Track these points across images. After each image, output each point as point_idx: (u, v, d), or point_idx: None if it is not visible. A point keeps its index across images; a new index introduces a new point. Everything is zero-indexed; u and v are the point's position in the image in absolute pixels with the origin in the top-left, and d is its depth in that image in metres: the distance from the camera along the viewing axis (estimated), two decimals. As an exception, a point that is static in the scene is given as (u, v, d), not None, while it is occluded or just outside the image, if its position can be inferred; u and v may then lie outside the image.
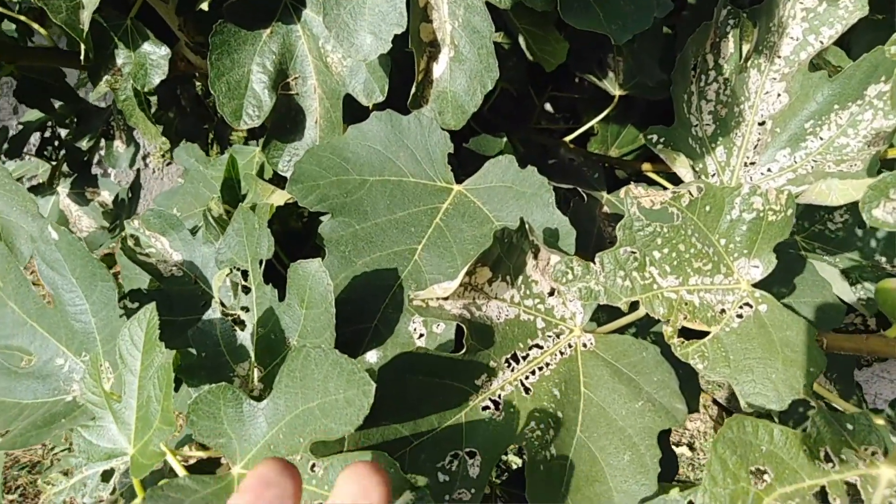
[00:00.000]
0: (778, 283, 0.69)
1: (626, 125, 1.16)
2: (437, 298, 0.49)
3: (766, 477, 0.36)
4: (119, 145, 1.45)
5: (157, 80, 0.80)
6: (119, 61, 0.82)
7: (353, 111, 0.75)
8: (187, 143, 0.96)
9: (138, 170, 1.51)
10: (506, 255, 0.52)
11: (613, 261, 0.49)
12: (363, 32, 0.63)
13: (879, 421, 0.41)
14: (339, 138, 0.68)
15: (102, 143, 1.47)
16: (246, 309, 0.60)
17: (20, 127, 1.46)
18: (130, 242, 0.71)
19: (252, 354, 0.58)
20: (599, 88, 1.05)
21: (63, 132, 1.51)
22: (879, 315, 0.87)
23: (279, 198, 0.76)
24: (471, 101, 0.66)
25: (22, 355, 0.59)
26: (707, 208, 0.47)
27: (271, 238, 0.58)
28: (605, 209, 0.89)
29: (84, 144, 1.43)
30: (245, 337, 0.59)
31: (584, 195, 0.86)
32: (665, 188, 0.84)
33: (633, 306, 0.58)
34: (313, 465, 0.44)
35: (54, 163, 1.50)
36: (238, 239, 0.60)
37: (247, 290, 0.60)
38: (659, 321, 0.69)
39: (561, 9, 0.62)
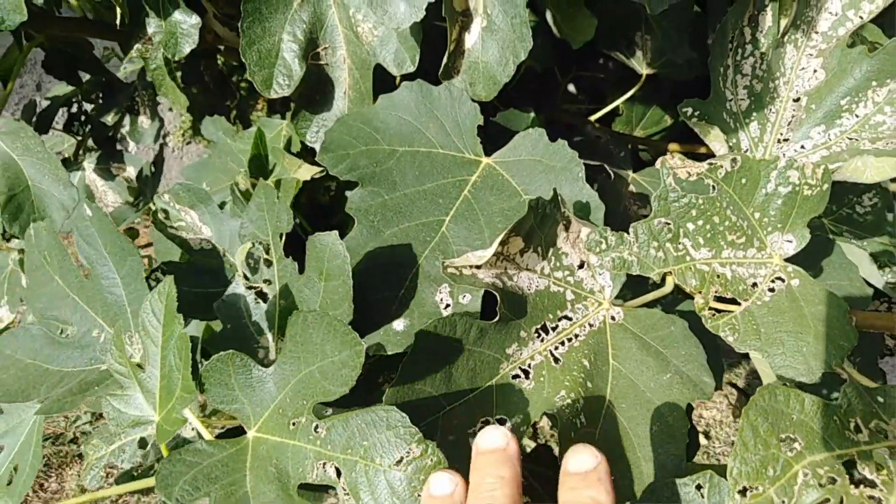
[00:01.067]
0: (805, 265, 0.69)
1: (651, 106, 1.15)
2: (471, 266, 0.50)
3: (796, 445, 0.37)
4: (144, 120, 1.47)
5: (187, 49, 0.80)
6: (150, 30, 0.82)
7: (381, 82, 0.75)
8: (215, 117, 0.96)
9: (161, 145, 1.53)
10: (538, 226, 0.52)
11: (647, 231, 0.49)
12: (397, 0, 0.63)
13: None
14: (370, 108, 0.69)
15: (127, 118, 1.49)
16: (268, 282, 0.61)
17: (46, 102, 1.47)
18: (161, 216, 0.72)
19: (273, 326, 0.59)
20: (625, 68, 1.04)
21: (89, 107, 1.52)
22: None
23: (306, 172, 0.76)
24: (503, 71, 0.66)
25: (63, 326, 0.60)
26: (743, 181, 0.47)
27: (290, 212, 0.59)
28: (632, 188, 0.89)
29: (109, 119, 1.44)
30: (268, 309, 0.60)
31: (612, 173, 0.86)
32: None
33: (658, 285, 0.58)
34: (316, 427, 0.44)
35: (80, 138, 1.51)
36: (259, 213, 0.61)
37: (269, 264, 0.60)
38: (684, 299, 0.69)
39: (596, -21, 0.62)
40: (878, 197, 0.84)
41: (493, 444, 0.41)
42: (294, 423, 0.44)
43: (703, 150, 0.90)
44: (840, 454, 0.38)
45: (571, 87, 1.32)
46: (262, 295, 0.60)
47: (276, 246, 0.59)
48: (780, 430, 0.36)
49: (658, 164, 0.48)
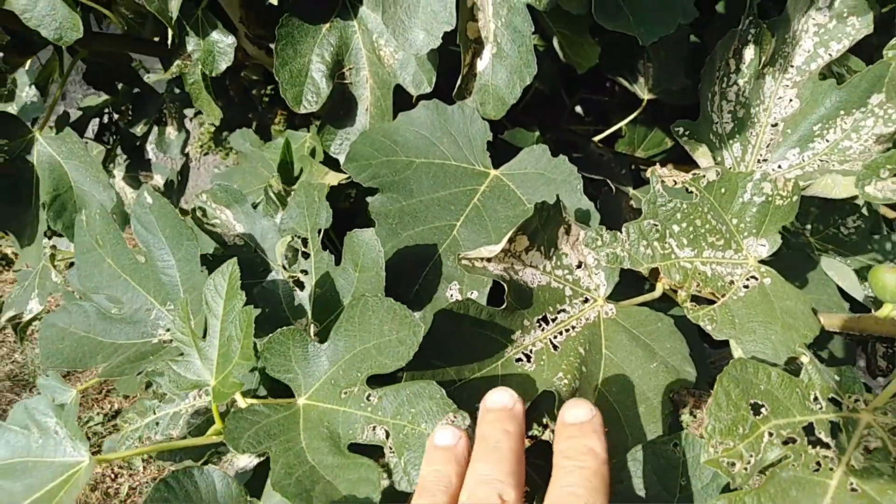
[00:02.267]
0: (787, 278, 0.75)
1: (653, 128, 1.23)
2: (482, 259, 0.56)
3: (762, 410, 0.43)
4: (171, 131, 1.55)
5: (223, 66, 0.88)
6: (189, 48, 0.90)
7: (399, 100, 0.82)
8: (244, 129, 1.04)
9: (187, 154, 1.60)
10: (542, 227, 0.59)
11: (638, 231, 0.55)
12: (417, 29, 0.70)
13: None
14: (390, 123, 0.76)
15: (154, 129, 1.57)
16: (305, 272, 0.67)
17: (79, 112, 1.55)
18: (199, 213, 0.79)
19: (309, 312, 0.66)
20: (628, 92, 1.12)
21: (117, 117, 1.61)
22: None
23: (333, 178, 0.83)
24: (510, 93, 0.73)
25: (113, 304, 0.67)
26: (723, 190, 0.53)
27: (330, 210, 0.65)
28: (632, 203, 0.95)
29: (139, 130, 1.52)
30: (304, 297, 0.67)
31: (613, 187, 0.92)
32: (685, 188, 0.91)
33: (649, 289, 0.64)
34: (369, 395, 0.51)
35: (108, 147, 1.59)
36: (299, 211, 0.68)
37: (306, 256, 0.67)
38: (672, 304, 0.76)
39: (594, 10, 0.69)
40: (862, 220, 0.91)
41: (501, 403, 0.47)
42: (346, 393, 0.51)
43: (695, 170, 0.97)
44: (800, 420, 0.44)
45: (578, 109, 1.40)
46: (298, 284, 0.66)
47: (313, 240, 0.66)
48: (749, 397, 0.42)
49: (648, 172, 0.54)
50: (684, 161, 1.02)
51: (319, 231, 0.66)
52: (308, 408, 0.53)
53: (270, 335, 0.53)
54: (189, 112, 1.73)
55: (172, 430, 0.69)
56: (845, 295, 0.80)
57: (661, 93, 1.07)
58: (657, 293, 0.63)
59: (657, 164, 0.94)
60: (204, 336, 0.55)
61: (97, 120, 1.64)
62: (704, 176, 0.53)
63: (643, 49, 1.05)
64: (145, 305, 0.66)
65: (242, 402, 0.58)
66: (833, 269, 0.86)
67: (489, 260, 0.57)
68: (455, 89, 0.75)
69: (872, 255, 0.93)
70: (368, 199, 0.93)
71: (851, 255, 0.94)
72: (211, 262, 0.77)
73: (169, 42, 0.82)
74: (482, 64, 0.74)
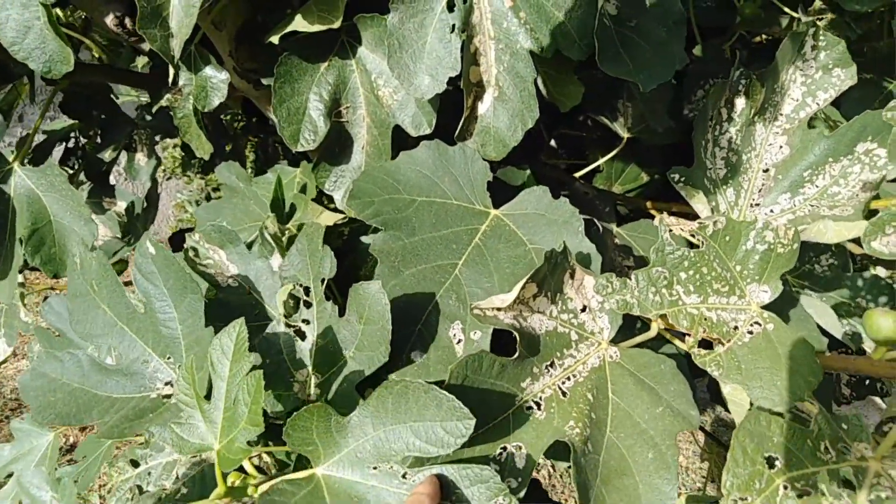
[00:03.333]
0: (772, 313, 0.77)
1: (629, 164, 1.26)
2: (494, 308, 0.57)
3: (777, 463, 0.44)
4: (141, 158, 1.52)
5: (216, 102, 0.87)
6: (181, 82, 0.89)
7: (396, 140, 0.83)
8: (229, 162, 1.03)
9: (155, 180, 1.57)
10: (550, 274, 0.60)
11: (647, 278, 0.57)
12: (422, 74, 0.71)
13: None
14: (392, 162, 0.76)
15: (123, 155, 1.53)
16: (307, 322, 0.66)
17: (42, 136, 1.51)
18: (191, 254, 0.78)
19: (310, 363, 0.65)
20: (606, 129, 1.15)
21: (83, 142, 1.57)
22: (861, 351, 0.96)
23: (328, 218, 0.83)
24: (512, 136, 0.75)
25: (108, 353, 0.64)
26: (727, 238, 0.55)
27: (334, 259, 0.65)
28: (617, 241, 0.98)
29: (107, 156, 1.49)
30: (305, 347, 0.66)
31: (600, 226, 0.95)
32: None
33: (644, 328, 0.66)
34: (405, 475, 0.50)
35: (72, 172, 1.55)
36: (301, 258, 0.67)
37: (308, 305, 0.66)
38: (667, 342, 0.77)
39: (598, 57, 0.71)
40: (835, 258, 0.95)
41: None
42: (376, 468, 0.50)
43: (675, 207, 1.00)
44: (813, 471, 0.45)
45: (552, 143, 1.43)
46: (300, 333, 0.65)
47: (316, 289, 0.65)
48: (764, 450, 0.44)
49: (656, 221, 0.56)
50: (662, 198, 1.05)
51: (322, 280, 0.66)
52: (329, 479, 0.52)
53: (295, 413, 0.53)
54: (160, 141, 1.70)
55: (165, 482, 0.67)
56: (823, 332, 0.83)
57: (641, 131, 1.10)
58: (652, 332, 0.65)
59: (644, 207, 0.96)
60: (208, 397, 0.54)
61: (62, 144, 1.59)
62: (709, 225, 0.55)
63: (622, 89, 1.08)
64: (143, 357, 0.64)
65: (249, 467, 0.57)
66: (812, 307, 0.89)
67: (500, 309, 0.58)
68: (457, 131, 0.76)
69: (845, 291, 0.97)
70: (364, 238, 0.93)
71: (825, 291, 0.98)
72: (206, 307, 0.76)
73: (170, 79, 0.81)
74: (483, 107, 0.75)
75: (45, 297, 0.93)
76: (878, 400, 1.26)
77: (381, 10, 0.76)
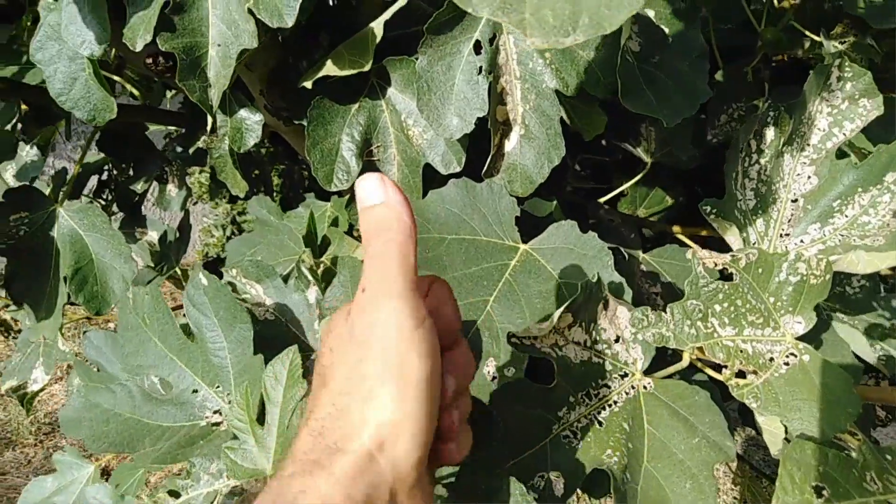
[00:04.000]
0: (806, 342, 0.78)
1: (654, 188, 1.27)
2: (531, 337, 0.58)
3: (824, 493, 0.45)
4: (172, 189, 1.56)
5: (251, 143, 0.90)
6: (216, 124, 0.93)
7: (427, 177, 0.85)
8: (260, 196, 1.06)
9: (186, 211, 1.61)
10: (584, 305, 0.61)
11: (682, 311, 0.58)
12: (451, 115, 0.74)
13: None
14: (421, 201, 0.78)
15: (155, 185, 1.58)
16: None
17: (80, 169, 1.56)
18: (228, 289, 0.80)
19: None
20: (627, 153, 1.16)
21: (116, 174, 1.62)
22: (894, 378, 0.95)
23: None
24: (538, 173, 0.77)
25: (159, 384, 0.67)
26: (759, 270, 0.56)
27: None
28: (643, 267, 0.99)
29: (139, 187, 1.53)
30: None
31: (626, 254, 0.96)
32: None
33: (676, 357, 0.67)
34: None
35: (104, 203, 1.60)
36: (343, 289, 0.70)
37: None
38: (699, 371, 0.78)
39: (621, 96, 0.73)
40: (867, 279, 0.95)
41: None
42: None
43: (703, 232, 1.01)
44: (861, 501, 0.46)
45: (577, 166, 1.45)
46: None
47: None
48: (811, 479, 0.44)
49: (688, 254, 0.57)
50: (686, 222, 1.06)
51: None
52: None
53: None
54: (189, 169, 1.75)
55: None
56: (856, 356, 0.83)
57: (664, 156, 1.11)
58: (685, 363, 0.65)
59: (669, 231, 0.97)
60: (261, 422, 0.56)
61: (96, 176, 1.65)
62: (742, 257, 0.56)
63: (644, 116, 1.10)
64: (192, 386, 0.67)
65: None
66: (843, 332, 0.89)
67: (536, 338, 0.59)
68: (484, 168, 0.78)
69: (878, 313, 0.96)
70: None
71: (857, 313, 0.98)
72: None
73: (209, 126, 0.84)
74: (510, 144, 0.77)
75: (84, 331, 0.96)
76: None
77: (409, 53, 0.79)
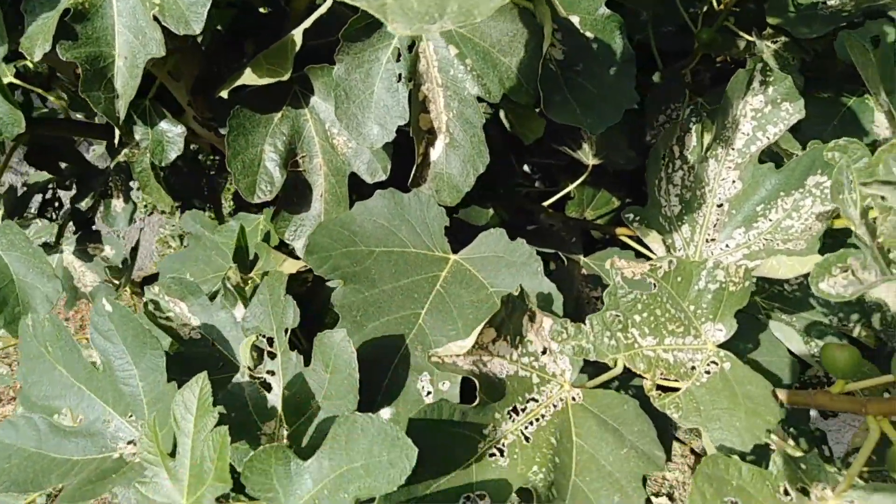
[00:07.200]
0: (740, 343, 0.77)
1: (599, 189, 1.27)
2: (452, 355, 0.56)
3: (736, 508, 0.44)
4: (117, 204, 1.50)
5: (173, 156, 0.87)
6: (137, 136, 0.89)
7: (355, 185, 0.83)
8: (194, 211, 1.02)
9: (140, 230, 1.56)
10: (508, 318, 0.60)
11: (601, 323, 0.56)
12: (370, 123, 0.72)
13: (831, 468, 0.49)
14: (347, 213, 0.76)
15: (101, 202, 1.52)
16: (272, 373, 0.66)
17: (23, 189, 1.51)
18: (151, 307, 0.77)
19: (279, 415, 0.64)
20: (574, 157, 1.15)
21: (62, 193, 1.56)
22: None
23: (291, 266, 0.83)
24: (464, 182, 0.75)
25: (65, 415, 0.63)
26: (678, 279, 0.55)
27: (297, 309, 0.64)
28: (584, 271, 0.98)
29: (84, 204, 1.48)
30: (271, 399, 0.65)
31: (565, 259, 0.95)
32: (637, 252, 0.94)
33: (614, 364, 0.65)
34: None
35: (59, 222, 1.54)
36: (263, 308, 0.67)
37: (272, 356, 0.66)
38: (637, 376, 0.77)
39: (543, 105, 0.72)
40: (804, 276, 0.95)
41: None
42: None
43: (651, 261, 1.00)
44: (771, 516, 0.45)
45: (526, 168, 1.44)
46: (265, 385, 0.65)
47: (280, 340, 0.65)
48: (723, 494, 0.43)
49: (608, 265, 0.56)
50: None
51: (286, 330, 0.65)
52: None
53: (252, 454, 0.52)
54: (135, 184, 1.69)
55: None
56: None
57: (604, 158, 1.11)
58: (618, 370, 0.64)
59: (614, 233, 0.97)
60: (173, 454, 0.53)
61: (41, 195, 1.59)
62: (661, 266, 0.55)
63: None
64: (103, 416, 0.63)
65: None
66: (780, 331, 0.89)
67: (458, 356, 0.57)
68: (410, 178, 0.76)
69: (816, 310, 0.97)
70: (330, 283, 0.92)
71: (796, 311, 0.98)
72: (168, 360, 0.75)
73: (116, 140, 0.81)
74: (436, 153, 0.75)
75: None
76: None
77: (331, 61, 0.76)
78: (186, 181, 1.47)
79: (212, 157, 1.82)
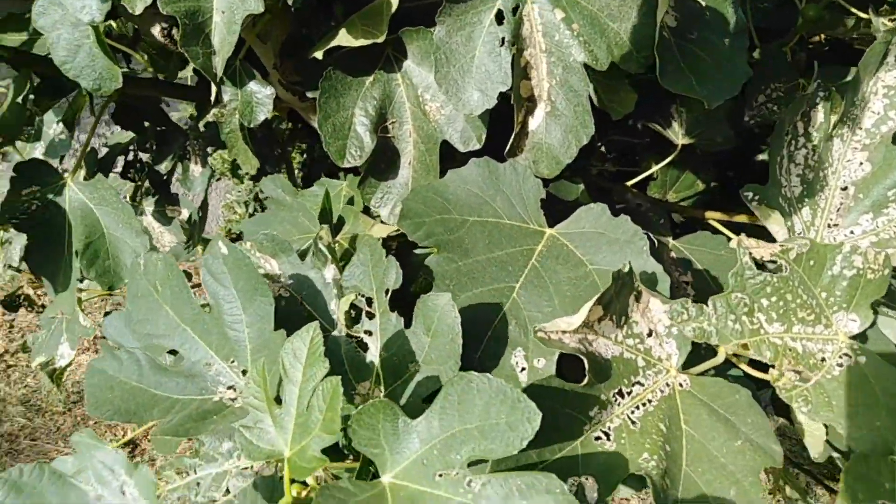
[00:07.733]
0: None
1: (684, 171, 1.21)
2: (559, 332, 0.54)
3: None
4: (194, 168, 1.53)
5: (262, 117, 0.86)
6: (225, 98, 0.88)
7: (443, 155, 0.80)
8: (275, 175, 1.02)
9: (207, 190, 1.58)
10: (616, 296, 0.56)
11: (725, 305, 0.53)
12: (471, 89, 0.69)
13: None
14: (440, 181, 0.73)
15: (179, 165, 1.55)
16: (369, 333, 0.64)
17: (105, 150, 1.54)
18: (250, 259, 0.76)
19: (374, 375, 0.63)
20: (657, 134, 1.10)
21: (143, 156, 1.59)
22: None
23: (381, 231, 0.81)
24: (565, 153, 0.71)
25: (165, 353, 0.63)
26: (811, 263, 0.51)
27: (399, 270, 0.63)
28: (672, 254, 0.93)
29: (163, 167, 1.51)
30: (368, 359, 0.64)
31: (655, 241, 0.90)
32: (728, 238, 0.89)
33: (710, 352, 0.62)
34: (470, 481, 0.47)
35: (137, 183, 1.58)
36: (363, 268, 0.66)
37: (370, 316, 0.64)
38: (733, 366, 0.73)
39: (659, 74, 0.67)
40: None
41: None
42: (441, 475, 0.47)
43: (738, 218, 0.95)
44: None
45: (602, 148, 1.39)
46: (362, 345, 0.64)
47: (380, 300, 0.64)
48: (875, 497, 0.40)
49: (734, 243, 0.52)
50: (721, 207, 1.00)
51: (387, 291, 0.64)
52: (395, 487, 0.49)
53: (360, 407, 0.50)
54: (211, 149, 1.72)
55: (215, 493, 0.65)
56: None
57: (697, 138, 1.05)
58: (720, 359, 0.61)
59: (702, 217, 0.92)
60: (278, 402, 0.53)
61: (123, 157, 1.62)
62: (792, 248, 0.51)
63: (676, 94, 1.04)
64: (205, 359, 0.62)
65: (311, 481, 0.54)
66: (889, 328, 0.83)
67: (565, 332, 0.55)
68: (507, 147, 0.73)
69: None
70: (417, 251, 0.90)
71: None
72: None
73: (212, 96, 0.80)
74: (535, 122, 0.72)
75: (106, 312, 0.91)
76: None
77: (427, 24, 0.74)
78: (260, 147, 1.47)
79: (287, 124, 1.82)
